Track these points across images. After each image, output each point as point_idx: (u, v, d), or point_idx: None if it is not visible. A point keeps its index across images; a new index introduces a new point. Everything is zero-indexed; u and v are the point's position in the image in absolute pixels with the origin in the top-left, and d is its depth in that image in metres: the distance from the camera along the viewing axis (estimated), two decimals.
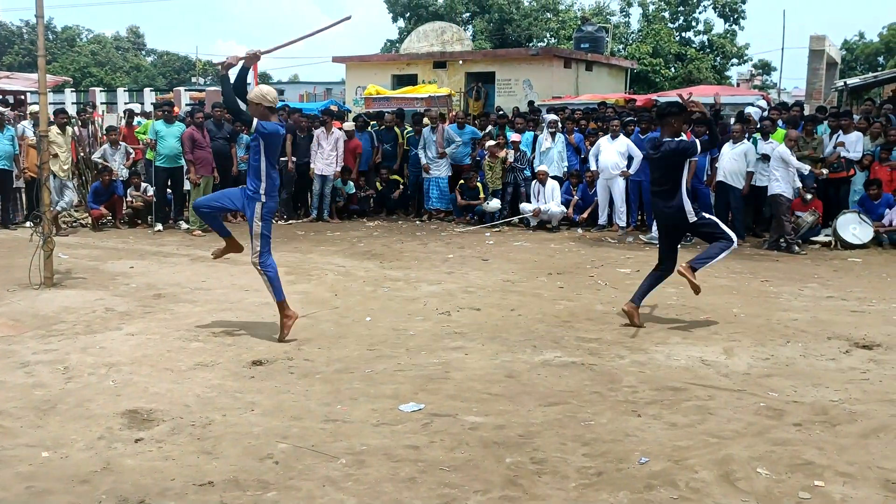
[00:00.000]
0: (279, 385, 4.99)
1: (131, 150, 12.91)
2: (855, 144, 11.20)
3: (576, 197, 12.39)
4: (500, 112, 15.63)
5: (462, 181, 12.88)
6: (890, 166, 11.05)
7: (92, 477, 3.70)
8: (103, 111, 21.43)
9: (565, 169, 12.58)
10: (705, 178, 11.26)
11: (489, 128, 13.83)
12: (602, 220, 12.05)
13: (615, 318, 6.74)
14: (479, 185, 12.74)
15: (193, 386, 4.95)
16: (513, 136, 12.87)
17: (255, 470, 3.77)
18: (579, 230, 12.09)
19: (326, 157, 12.92)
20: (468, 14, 37.61)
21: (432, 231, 12.16)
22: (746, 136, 11.20)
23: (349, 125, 13.86)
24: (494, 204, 12.54)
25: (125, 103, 24.08)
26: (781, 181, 10.28)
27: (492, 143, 12.75)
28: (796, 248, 10.21)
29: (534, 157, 12.74)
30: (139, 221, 12.47)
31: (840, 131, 11.38)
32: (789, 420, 4.40)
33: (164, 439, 4.12)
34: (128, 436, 4.18)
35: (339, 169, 12.98)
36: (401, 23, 38.60)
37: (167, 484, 3.62)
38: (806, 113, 14.06)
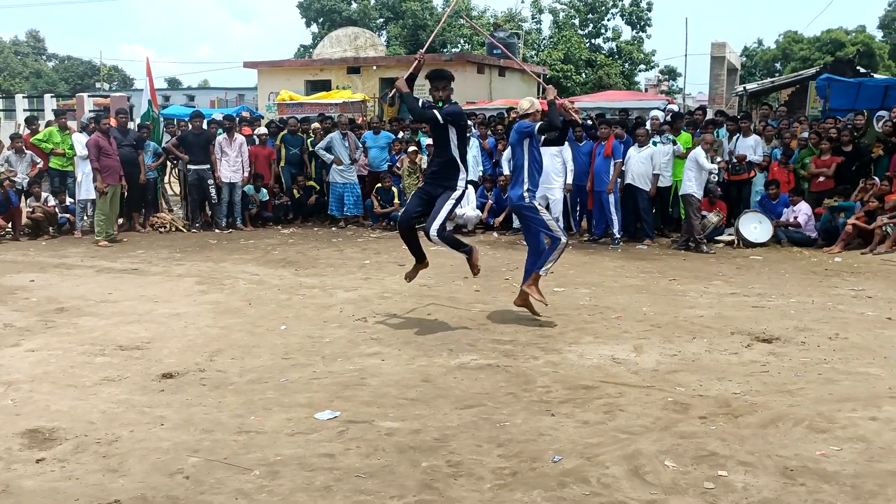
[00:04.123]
0: (190, 398, 4.87)
1: (38, 160, 12.32)
2: (755, 148, 11.72)
3: (490, 201, 12.53)
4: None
5: (378, 185, 12.84)
6: (787, 168, 11.61)
7: None
8: None
9: (480, 173, 12.70)
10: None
11: (400, 133, 13.83)
12: (516, 223, 12.21)
13: (530, 319, 6.84)
14: (394, 189, 12.73)
15: (98, 402, 4.77)
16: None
17: (164, 486, 3.66)
18: (494, 234, 12.23)
19: (232, 163, 12.63)
20: (382, 20, 37.62)
21: (348, 237, 12.08)
22: (651, 139, 11.55)
23: (262, 131, 13.61)
24: None
25: (24, 110, 22.98)
26: (693, 182, 10.61)
27: (412, 148, 12.75)
28: (704, 247, 10.59)
29: None
30: (40, 233, 11.94)
31: (739, 134, 11.88)
32: (695, 413, 4.56)
33: (67, 458, 3.96)
34: (28, 456, 3.99)
35: (246, 174, 12.73)
36: (314, 28, 38.28)
37: None
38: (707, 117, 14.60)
